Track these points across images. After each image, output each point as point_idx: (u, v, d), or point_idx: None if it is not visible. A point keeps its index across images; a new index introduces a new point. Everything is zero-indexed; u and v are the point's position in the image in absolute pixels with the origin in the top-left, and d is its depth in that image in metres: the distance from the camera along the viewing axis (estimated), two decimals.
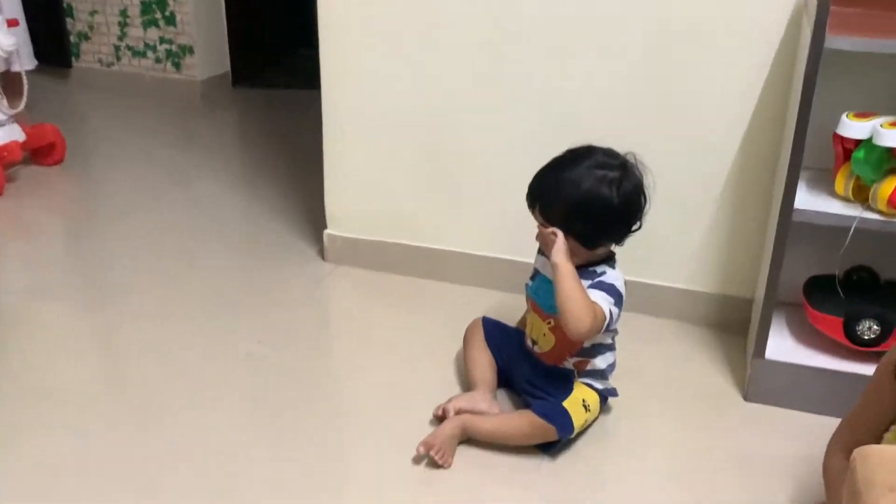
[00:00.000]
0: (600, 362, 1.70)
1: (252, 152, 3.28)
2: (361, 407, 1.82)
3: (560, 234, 1.58)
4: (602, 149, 1.61)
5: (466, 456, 1.64)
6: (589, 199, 1.55)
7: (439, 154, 2.17)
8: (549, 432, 1.62)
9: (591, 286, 1.60)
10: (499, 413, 1.70)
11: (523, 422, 1.64)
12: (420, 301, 2.22)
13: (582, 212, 1.56)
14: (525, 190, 1.65)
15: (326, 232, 2.36)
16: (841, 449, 1.41)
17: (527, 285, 1.75)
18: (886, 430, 1.33)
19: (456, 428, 1.64)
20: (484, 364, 1.79)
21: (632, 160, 1.60)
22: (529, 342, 1.75)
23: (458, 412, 1.67)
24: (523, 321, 1.83)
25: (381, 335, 2.06)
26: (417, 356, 1.97)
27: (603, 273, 1.62)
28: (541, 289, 1.70)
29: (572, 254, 1.58)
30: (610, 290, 1.59)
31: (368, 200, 2.29)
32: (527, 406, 1.68)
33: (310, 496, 1.55)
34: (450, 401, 1.70)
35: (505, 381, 1.82)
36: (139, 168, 3.06)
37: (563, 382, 1.69)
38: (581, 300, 1.54)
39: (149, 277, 2.31)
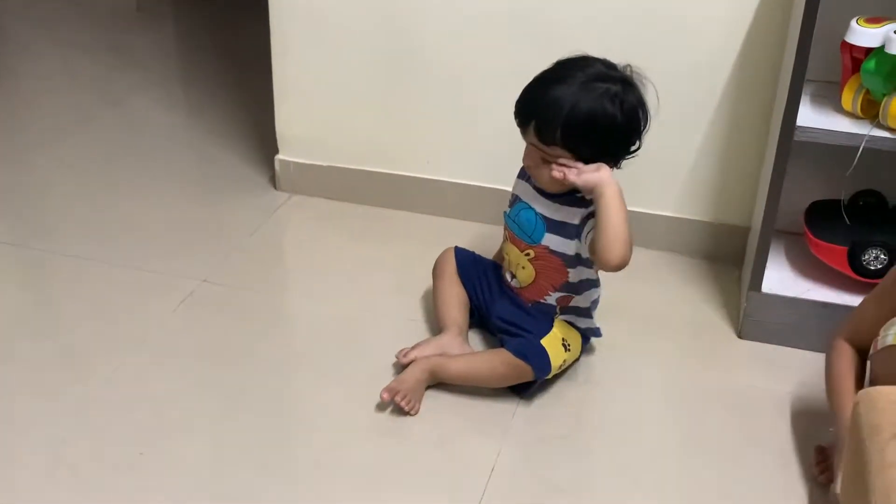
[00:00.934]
0: (584, 299, 1.69)
1: (193, 68, 3.18)
2: (318, 350, 1.79)
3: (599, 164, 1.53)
4: (599, 59, 1.56)
5: (434, 402, 1.64)
6: (592, 117, 1.50)
7: (406, 67, 2.11)
8: (525, 372, 1.62)
9: (590, 215, 1.57)
10: (470, 353, 1.69)
11: (496, 361, 1.63)
12: (384, 233, 2.18)
13: (585, 132, 1.51)
14: (508, 107, 1.60)
15: (278, 157, 2.31)
16: (844, 336, 1.51)
17: (505, 213, 1.72)
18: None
19: (423, 372, 1.62)
20: (455, 302, 1.77)
21: (629, 72, 1.56)
22: (508, 276, 1.73)
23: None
24: (500, 255, 1.80)
25: (341, 271, 2.03)
26: (381, 294, 1.95)
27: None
28: (521, 217, 1.67)
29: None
30: None
31: (325, 121, 2.23)
32: (502, 345, 1.66)
33: (259, 450, 1.54)
34: (416, 347, 1.68)
35: (479, 319, 1.81)
36: (66, 86, 2.96)
37: (542, 320, 1.68)
38: (628, 228, 1.52)
39: (77, 210, 2.25)
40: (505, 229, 1.73)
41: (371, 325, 1.85)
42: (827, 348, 1.54)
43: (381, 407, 1.61)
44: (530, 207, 1.65)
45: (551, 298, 1.68)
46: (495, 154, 2.12)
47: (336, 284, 1.98)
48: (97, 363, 1.71)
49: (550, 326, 1.67)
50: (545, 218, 1.63)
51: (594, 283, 1.69)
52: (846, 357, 1.48)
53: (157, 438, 1.54)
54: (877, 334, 1.38)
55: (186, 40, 3.52)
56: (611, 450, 1.57)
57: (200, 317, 1.86)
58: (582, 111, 1.49)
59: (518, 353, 1.61)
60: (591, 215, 1.56)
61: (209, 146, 2.57)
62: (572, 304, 1.69)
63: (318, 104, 2.22)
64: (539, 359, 1.62)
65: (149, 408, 1.61)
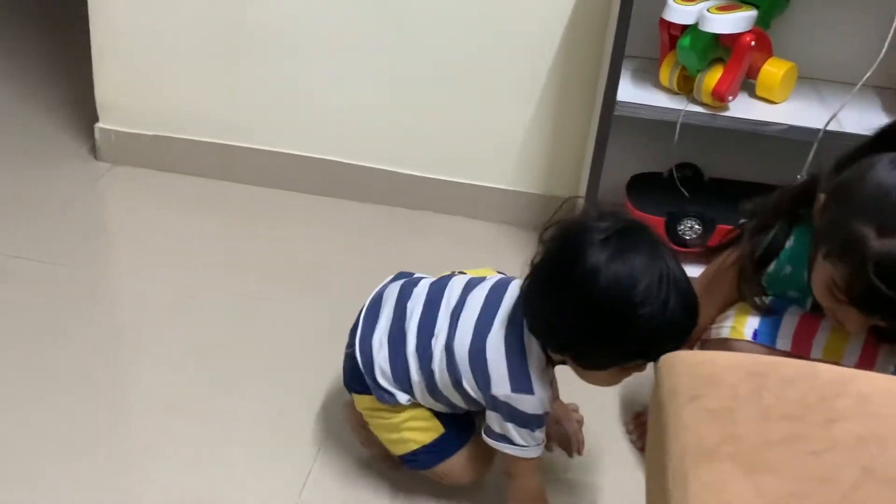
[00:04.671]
0: None
1: (7, 27, 2.97)
2: (140, 328, 1.73)
3: None
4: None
5: (264, 378, 1.61)
6: None
7: (236, 31, 2.03)
8: None
9: None
10: None
11: None
12: (212, 206, 2.11)
13: None
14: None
15: (98, 126, 2.20)
16: None
17: None
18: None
19: None
20: None
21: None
22: None
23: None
24: None
25: (166, 243, 1.96)
26: (208, 266, 1.89)
27: None
28: None
29: None
30: None
31: (148, 88, 2.13)
32: None
33: (77, 433, 1.47)
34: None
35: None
36: None
37: None
38: None
39: None
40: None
41: (196, 302, 1.79)
42: None
43: (205, 386, 1.57)
44: None
45: None
46: (327, 124, 2.09)
47: (160, 259, 1.91)
48: None
49: None
50: None
51: None
52: None
53: None
54: None
55: None
56: None
57: (11, 294, 1.76)
58: None
59: None
60: None
61: (24, 113, 2.41)
62: None
63: (141, 69, 2.11)
64: None
65: None
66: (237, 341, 1.69)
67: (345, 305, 1.79)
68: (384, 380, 1.30)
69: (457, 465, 1.35)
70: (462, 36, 1.94)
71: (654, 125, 1.72)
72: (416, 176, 2.10)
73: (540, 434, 1.26)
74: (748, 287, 1.37)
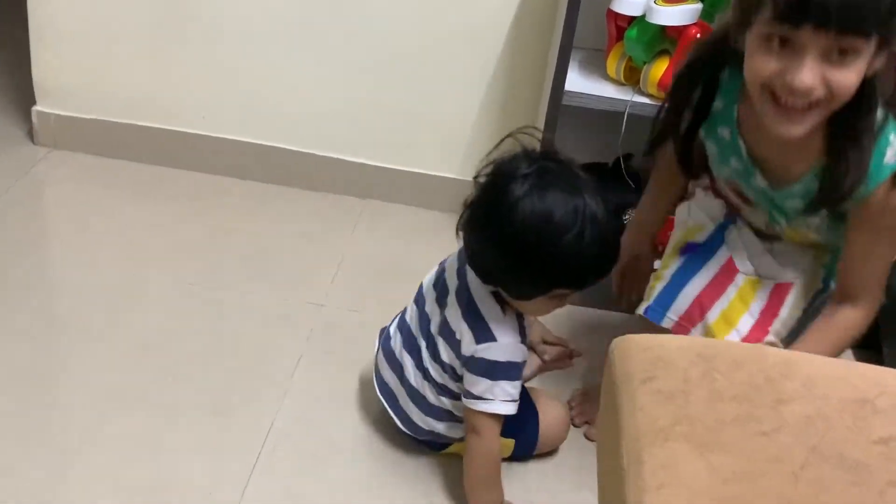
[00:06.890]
0: None
1: None
2: (82, 317, 1.69)
3: None
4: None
5: (209, 366, 1.59)
6: None
7: (183, 10, 1.99)
8: None
9: None
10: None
11: None
12: (155, 192, 2.08)
13: None
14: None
15: (35, 108, 2.14)
16: None
17: None
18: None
19: None
20: None
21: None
22: None
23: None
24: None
25: (107, 230, 1.92)
26: (150, 254, 1.86)
27: None
28: None
29: None
30: None
31: (89, 69, 2.08)
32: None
33: (20, 423, 1.44)
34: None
35: None
36: None
37: None
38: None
39: None
40: None
41: (139, 290, 1.76)
42: None
43: (149, 375, 1.55)
44: None
45: None
46: (274, 112, 2.07)
47: (100, 247, 1.87)
48: None
49: None
50: None
51: None
52: None
53: None
54: None
55: None
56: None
57: None
58: None
59: None
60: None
61: None
62: None
63: (81, 49, 2.06)
64: None
65: None
66: (182, 329, 1.67)
67: (291, 294, 1.80)
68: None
69: (544, 438, 1.47)
70: (410, 25, 1.94)
71: (600, 116, 1.73)
72: (364, 164, 2.10)
73: (513, 389, 1.31)
74: (684, 164, 1.41)
